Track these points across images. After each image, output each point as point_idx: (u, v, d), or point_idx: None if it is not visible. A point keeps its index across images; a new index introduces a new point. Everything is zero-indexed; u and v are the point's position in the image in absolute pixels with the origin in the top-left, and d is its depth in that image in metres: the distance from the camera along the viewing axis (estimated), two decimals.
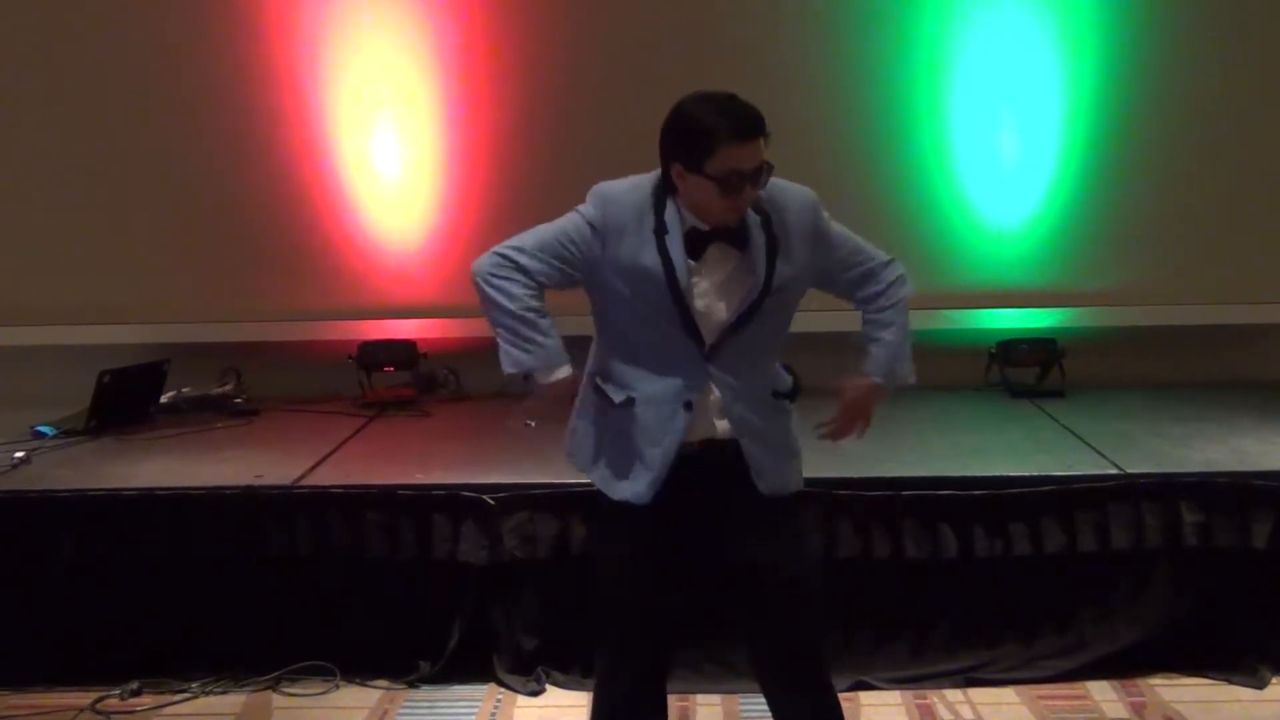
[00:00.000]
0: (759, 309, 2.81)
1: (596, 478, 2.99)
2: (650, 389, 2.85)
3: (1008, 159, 5.52)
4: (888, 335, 2.96)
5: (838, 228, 2.97)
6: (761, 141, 2.69)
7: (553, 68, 5.48)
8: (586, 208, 2.83)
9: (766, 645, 2.98)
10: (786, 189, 2.88)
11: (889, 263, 3.00)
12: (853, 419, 3.04)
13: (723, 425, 2.88)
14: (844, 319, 5.14)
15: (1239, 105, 5.46)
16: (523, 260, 2.79)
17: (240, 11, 5.51)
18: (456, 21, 5.50)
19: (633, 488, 2.88)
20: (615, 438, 2.91)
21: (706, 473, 2.88)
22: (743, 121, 2.66)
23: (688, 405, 2.84)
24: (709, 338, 2.83)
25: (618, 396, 2.89)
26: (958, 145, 5.51)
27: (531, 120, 5.48)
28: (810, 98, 5.50)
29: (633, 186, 2.84)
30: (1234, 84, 5.45)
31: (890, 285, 2.97)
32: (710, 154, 2.65)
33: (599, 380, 2.94)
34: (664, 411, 2.84)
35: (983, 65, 5.44)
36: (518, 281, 2.80)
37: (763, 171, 2.71)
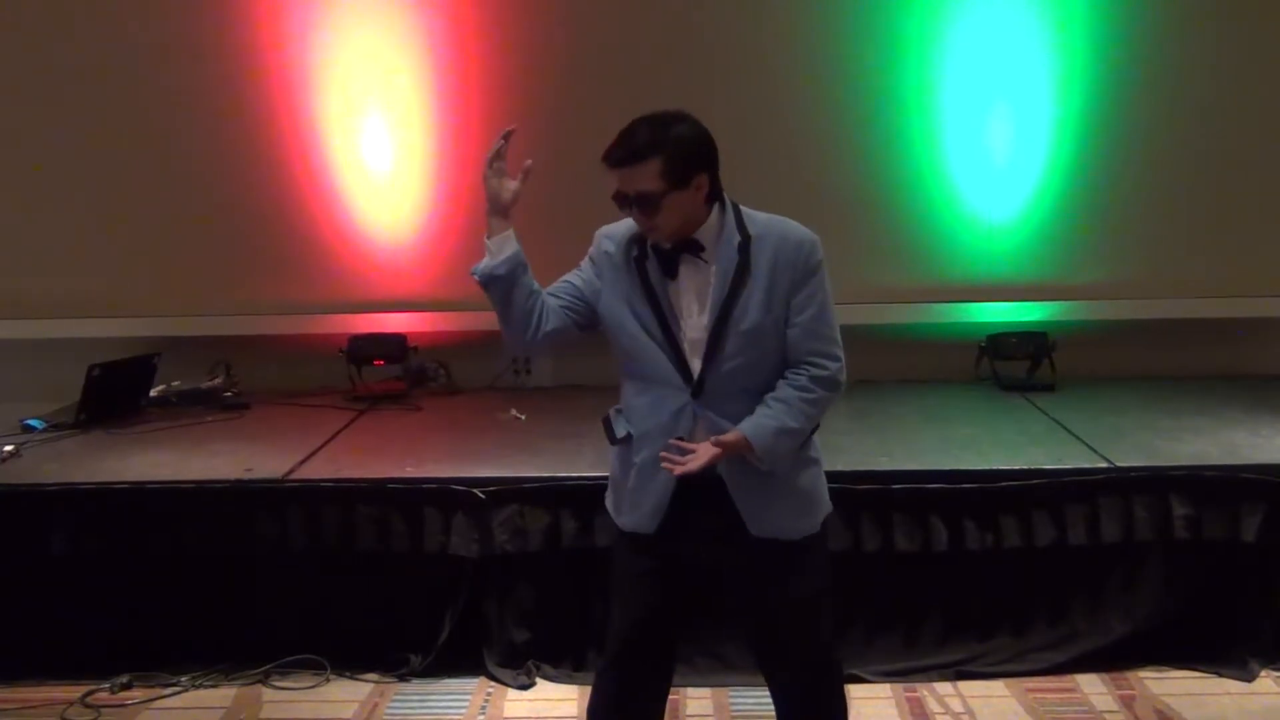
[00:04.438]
0: (725, 332, 2.83)
1: (610, 506, 3.07)
2: (646, 425, 2.91)
3: (998, 153, 5.53)
4: (776, 406, 2.82)
5: (827, 292, 2.89)
6: (639, 169, 2.74)
7: (545, 62, 5.48)
8: (590, 248, 3.01)
9: (764, 648, 3.07)
10: (786, 223, 2.91)
11: (835, 364, 2.88)
12: (704, 453, 2.78)
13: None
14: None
15: (1229, 100, 5.48)
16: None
17: (231, 7, 5.49)
18: (447, 16, 5.50)
19: (635, 519, 2.95)
20: (625, 471, 2.98)
21: (714, 500, 2.89)
22: (613, 150, 2.78)
23: (680, 440, 2.87)
24: (694, 361, 2.86)
25: (620, 431, 2.97)
26: (948, 140, 5.52)
27: (522, 114, 5.46)
28: (801, 94, 5.51)
29: (626, 222, 2.95)
30: (1224, 79, 5.46)
31: (814, 378, 2.84)
32: (612, 175, 2.81)
33: (610, 412, 3.01)
34: (658, 447, 2.86)
35: (973, 60, 5.45)
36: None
37: (645, 199, 2.75)
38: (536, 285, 2.90)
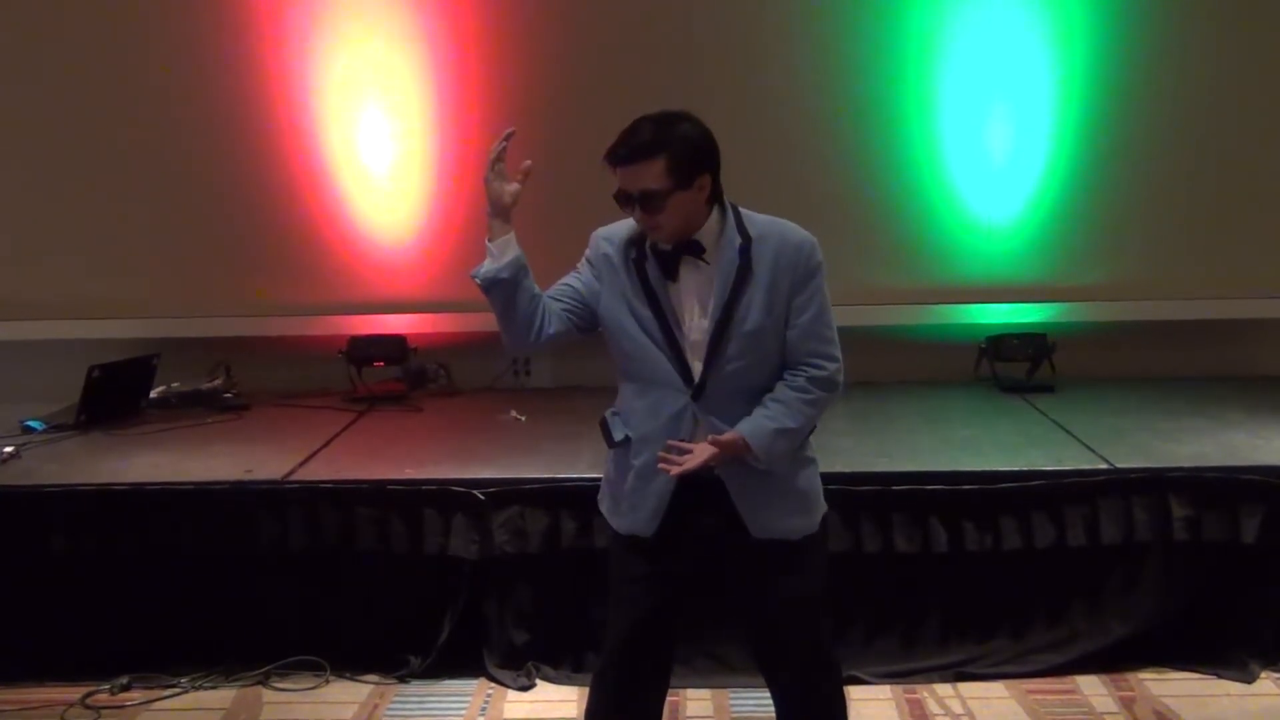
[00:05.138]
0: (727, 334, 2.83)
1: (606, 509, 3.07)
2: (645, 428, 2.91)
3: (998, 155, 5.53)
4: (774, 407, 2.84)
5: (826, 294, 2.91)
6: (644, 168, 2.74)
7: (545, 62, 5.48)
8: (587, 250, 3.00)
9: (764, 648, 3.07)
10: (785, 224, 2.92)
11: (834, 364, 2.89)
12: (702, 453, 2.80)
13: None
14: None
15: (1229, 101, 5.48)
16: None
17: (231, 7, 5.49)
18: (447, 16, 5.50)
19: (634, 521, 2.94)
20: (622, 474, 2.97)
21: (713, 502, 2.89)
22: (617, 147, 2.78)
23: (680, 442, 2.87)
24: (694, 363, 2.86)
25: (618, 434, 2.96)
26: (948, 141, 5.52)
27: (522, 115, 5.46)
28: (800, 95, 5.51)
29: (622, 224, 2.95)
30: (1224, 80, 5.46)
31: (812, 379, 2.86)
32: (614, 174, 2.80)
33: (607, 415, 3.01)
34: (658, 449, 2.86)
35: (973, 61, 5.45)
36: None
37: (649, 197, 2.75)
38: (537, 289, 2.89)
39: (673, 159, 2.75)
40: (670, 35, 5.44)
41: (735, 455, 2.82)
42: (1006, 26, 5.42)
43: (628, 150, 2.76)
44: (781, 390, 2.86)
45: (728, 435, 2.81)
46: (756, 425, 2.82)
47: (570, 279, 2.99)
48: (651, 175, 2.74)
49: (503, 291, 2.85)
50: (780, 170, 5.26)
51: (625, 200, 2.80)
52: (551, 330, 2.91)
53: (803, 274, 2.86)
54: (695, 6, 5.49)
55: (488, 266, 2.85)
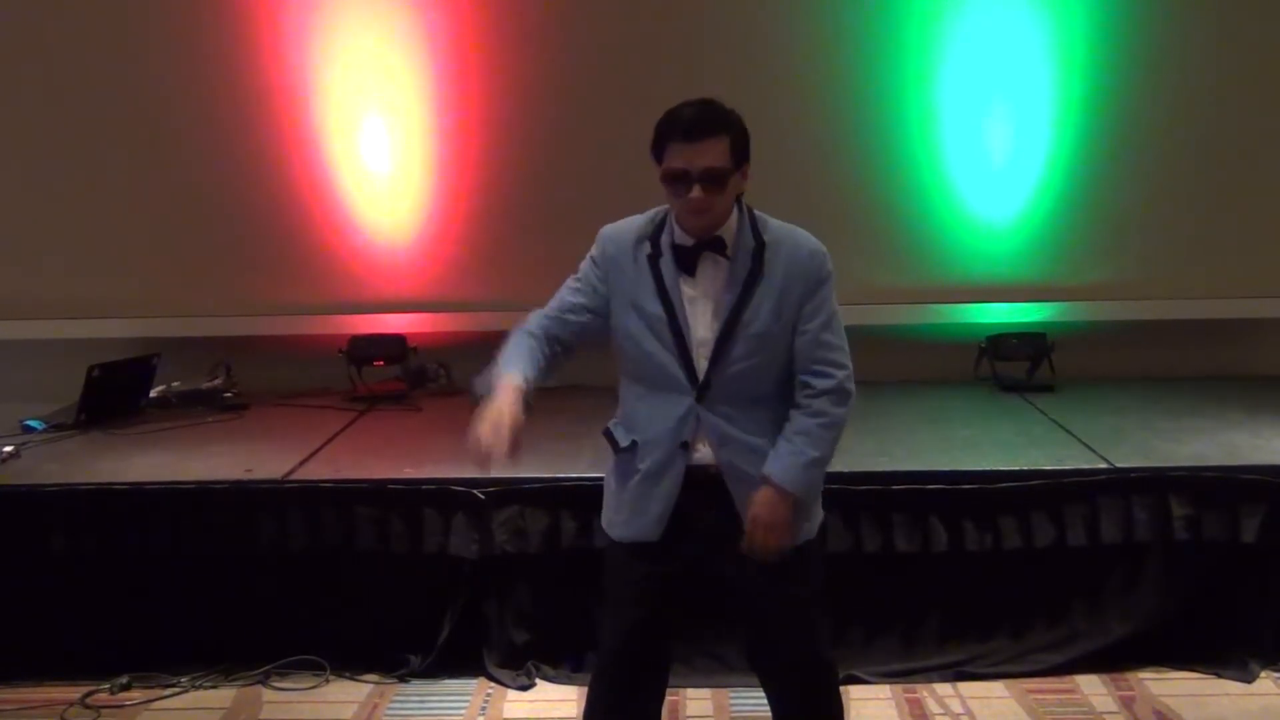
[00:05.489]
0: (734, 334, 2.83)
1: (606, 522, 3.05)
2: (650, 431, 2.91)
3: (998, 154, 5.53)
4: (798, 440, 2.84)
5: (835, 302, 2.92)
6: (711, 144, 2.73)
7: (544, 63, 5.47)
8: (592, 249, 2.97)
9: (760, 650, 3.08)
10: (797, 232, 2.92)
11: (843, 371, 2.91)
12: (763, 534, 2.84)
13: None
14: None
15: (1229, 101, 5.47)
16: (533, 325, 2.97)
17: (230, 7, 5.49)
18: (447, 17, 5.49)
19: (639, 526, 2.93)
20: (626, 479, 2.96)
21: (715, 503, 2.90)
22: (686, 121, 2.74)
23: (684, 446, 2.88)
24: (700, 362, 2.85)
25: (623, 440, 2.95)
26: (948, 140, 5.51)
27: (522, 115, 5.47)
28: (800, 94, 5.50)
29: (630, 222, 2.95)
30: (1224, 80, 5.46)
31: (823, 393, 2.86)
32: (663, 153, 2.77)
33: (610, 424, 3.00)
34: (663, 452, 2.88)
35: (973, 61, 5.44)
36: (524, 337, 2.96)
37: (712, 175, 2.73)
38: (540, 359, 2.90)
39: (734, 140, 2.76)
40: (670, 36, 5.43)
41: (782, 511, 2.82)
42: (1006, 27, 5.42)
43: (703, 123, 2.73)
44: (799, 420, 2.85)
45: (770, 501, 2.81)
46: (786, 468, 2.82)
47: (573, 295, 2.96)
48: (716, 153, 2.73)
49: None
50: (780, 170, 5.23)
51: (680, 179, 2.75)
52: (566, 358, 2.96)
53: (813, 283, 2.86)
54: (696, 7, 5.49)
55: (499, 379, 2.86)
